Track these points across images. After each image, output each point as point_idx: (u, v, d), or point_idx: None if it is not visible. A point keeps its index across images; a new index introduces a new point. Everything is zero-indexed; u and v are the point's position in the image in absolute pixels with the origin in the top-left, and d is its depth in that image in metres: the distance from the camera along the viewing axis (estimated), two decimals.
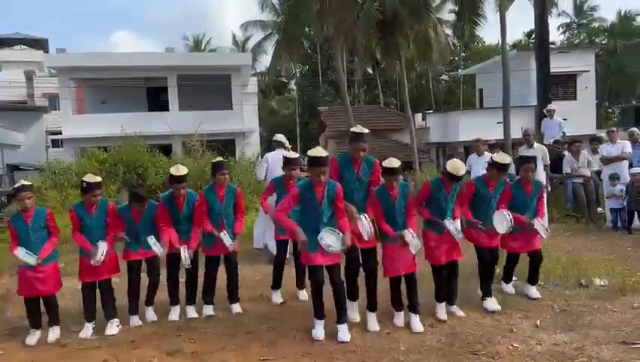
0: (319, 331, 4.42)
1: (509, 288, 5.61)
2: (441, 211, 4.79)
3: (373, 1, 18.91)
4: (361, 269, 4.78)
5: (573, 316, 4.84)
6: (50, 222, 4.84)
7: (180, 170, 5.05)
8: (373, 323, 4.65)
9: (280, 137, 7.96)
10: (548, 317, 4.84)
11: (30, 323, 4.82)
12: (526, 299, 5.40)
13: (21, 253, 4.58)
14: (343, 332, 4.38)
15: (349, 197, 4.59)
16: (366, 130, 4.65)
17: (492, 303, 5.08)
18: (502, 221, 5.02)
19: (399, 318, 4.74)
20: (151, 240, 4.93)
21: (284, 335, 4.52)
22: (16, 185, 4.81)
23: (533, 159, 5.38)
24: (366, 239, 4.50)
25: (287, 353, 4.20)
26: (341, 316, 4.44)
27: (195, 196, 5.25)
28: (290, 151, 7.57)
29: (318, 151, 4.33)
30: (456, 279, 4.96)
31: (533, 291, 5.43)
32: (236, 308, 5.29)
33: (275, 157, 7.35)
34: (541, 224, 5.24)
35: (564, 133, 11.41)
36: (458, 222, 4.91)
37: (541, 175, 8.92)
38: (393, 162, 4.56)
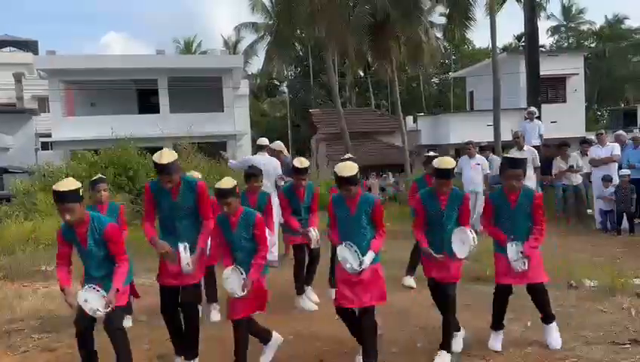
0: None
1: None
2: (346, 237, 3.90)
3: (365, 4, 18.99)
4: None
5: (563, 317, 4.86)
6: (122, 215, 4.86)
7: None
8: None
9: (264, 141, 7.74)
10: (538, 318, 4.86)
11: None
12: (516, 300, 5.41)
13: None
14: None
15: None
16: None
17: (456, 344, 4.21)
18: (462, 241, 3.99)
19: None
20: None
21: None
22: (93, 178, 4.83)
23: (520, 163, 4.16)
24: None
25: (280, 356, 4.19)
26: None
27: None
28: (288, 157, 7.53)
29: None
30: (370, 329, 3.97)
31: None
32: None
33: (259, 161, 7.15)
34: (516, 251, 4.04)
35: (541, 135, 11.46)
36: (368, 258, 3.76)
37: (531, 177, 9.01)
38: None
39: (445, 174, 3.93)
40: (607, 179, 9.28)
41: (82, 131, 20.32)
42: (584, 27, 44.07)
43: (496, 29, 16.83)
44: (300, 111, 36.74)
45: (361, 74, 36.94)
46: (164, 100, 22.46)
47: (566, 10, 43.68)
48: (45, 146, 26.43)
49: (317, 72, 37.33)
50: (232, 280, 3.72)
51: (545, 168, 10.03)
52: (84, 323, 3.56)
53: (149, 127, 19.65)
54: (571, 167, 9.86)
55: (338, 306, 3.86)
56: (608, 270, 6.25)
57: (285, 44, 22.08)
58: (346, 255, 3.71)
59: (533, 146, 10.85)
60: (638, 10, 70.34)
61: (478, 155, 9.57)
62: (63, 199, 3.41)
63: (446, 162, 3.97)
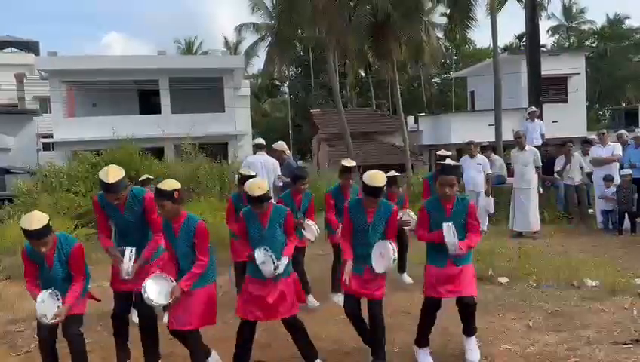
0: None
1: None
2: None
3: (365, 5, 19.00)
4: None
5: (565, 316, 4.87)
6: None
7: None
8: None
9: (261, 140, 7.73)
10: (540, 318, 4.86)
11: None
12: (518, 300, 5.43)
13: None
14: None
15: None
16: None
17: None
18: (382, 256, 3.82)
19: None
20: None
21: (278, 338, 4.50)
22: (142, 178, 4.99)
23: (454, 170, 3.99)
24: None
25: (281, 355, 4.20)
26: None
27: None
28: (289, 157, 7.53)
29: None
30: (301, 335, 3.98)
31: None
32: None
33: (257, 161, 7.18)
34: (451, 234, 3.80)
35: (542, 135, 11.46)
36: (284, 260, 3.78)
37: (533, 177, 9.01)
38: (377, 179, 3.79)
39: (373, 193, 3.78)
40: (608, 179, 9.27)
41: (83, 132, 20.35)
42: (585, 27, 44.07)
43: (497, 28, 16.85)
44: (301, 112, 36.75)
45: (362, 74, 36.97)
46: (165, 101, 22.49)
47: (567, 10, 43.67)
48: (47, 147, 26.46)
49: (318, 72, 37.35)
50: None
51: (546, 168, 10.02)
52: (46, 331, 3.60)
53: (151, 128, 19.66)
54: (559, 172, 9.89)
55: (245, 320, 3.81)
56: (610, 270, 6.25)
57: (286, 45, 22.13)
58: (264, 258, 3.68)
59: (535, 146, 10.85)
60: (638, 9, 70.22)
61: (479, 155, 9.56)
62: (38, 236, 3.44)
63: (376, 179, 3.78)
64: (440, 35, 27.62)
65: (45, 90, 24.22)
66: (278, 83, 45.08)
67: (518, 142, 9.24)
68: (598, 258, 7.13)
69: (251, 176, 5.24)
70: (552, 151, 10.81)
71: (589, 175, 10.04)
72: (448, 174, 3.89)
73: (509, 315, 4.96)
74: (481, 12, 20.40)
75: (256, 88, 40.07)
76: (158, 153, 17.23)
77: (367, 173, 3.86)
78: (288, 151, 7.69)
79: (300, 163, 30.60)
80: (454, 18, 19.48)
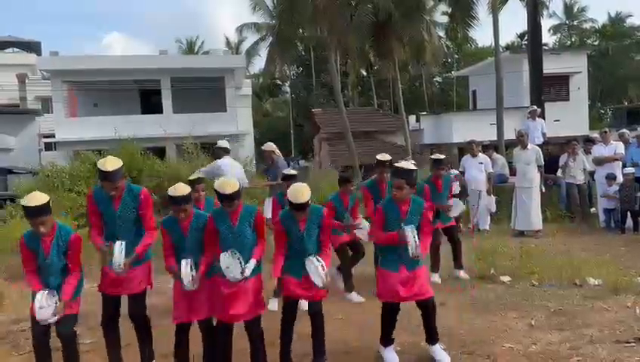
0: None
1: None
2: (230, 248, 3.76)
3: (367, 4, 18.99)
4: None
5: (567, 315, 4.86)
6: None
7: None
8: None
9: (226, 144, 7.68)
10: (542, 317, 4.86)
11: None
12: (521, 299, 5.42)
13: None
14: None
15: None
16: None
17: None
18: (315, 269, 3.80)
19: None
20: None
21: (279, 337, 4.50)
22: (191, 178, 4.95)
23: (405, 173, 3.97)
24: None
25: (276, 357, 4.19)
26: None
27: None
28: (280, 157, 7.53)
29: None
30: (261, 345, 3.95)
31: None
32: None
33: (228, 164, 7.20)
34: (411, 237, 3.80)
35: (544, 134, 11.44)
36: (252, 263, 3.77)
37: (535, 176, 9.00)
38: (179, 189, 3.76)
39: (299, 208, 3.80)
40: (610, 178, 9.26)
41: (85, 132, 20.37)
42: (586, 25, 43.98)
43: (499, 27, 16.82)
44: (303, 111, 36.74)
45: (364, 73, 36.95)
46: (166, 100, 22.50)
47: (568, 9, 43.60)
48: (48, 147, 26.51)
49: (319, 72, 37.35)
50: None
51: (548, 167, 10.01)
52: (40, 331, 3.60)
53: (152, 128, 19.67)
54: (561, 167, 9.89)
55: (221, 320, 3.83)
56: (612, 268, 6.25)
57: (287, 44, 22.13)
58: (230, 262, 3.65)
59: (536, 145, 10.84)
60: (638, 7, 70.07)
61: (480, 154, 9.56)
62: (38, 213, 3.46)
63: (299, 194, 3.77)
64: (441, 33, 27.62)
65: (47, 90, 24.26)
66: (279, 82, 45.09)
67: (521, 140, 9.23)
68: (600, 257, 7.12)
69: (294, 176, 5.31)
70: (554, 151, 10.80)
71: (592, 174, 10.03)
72: (398, 177, 3.96)
73: (511, 314, 4.96)
74: (482, 11, 20.37)
75: (257, 88, 40.08)
76: (160, 153, 17.24)
77: (290, 190, 3.85)
78: (278, 151, 7.66)
79: (302, 162, 30.65)
80: (456, 17, 19.45)
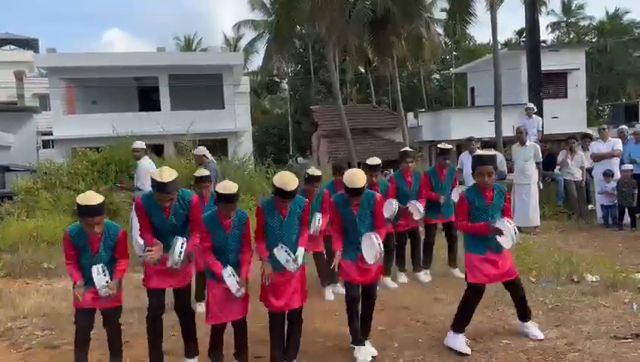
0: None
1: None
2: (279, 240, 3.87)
3: (365, 0, 18.94)
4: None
5: (565, 311, 4.88)
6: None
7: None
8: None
9: (143, 145, 7.94)
10: (540, 313, 4.88)
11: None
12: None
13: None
14: None
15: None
16: None
17: (363, 353, 4.07)
18: (370, 247, 3.96)
19: None
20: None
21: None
22: (196, 175, 5.13)
23: (489, 160, 4.15)
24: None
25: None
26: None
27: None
28: (211, 161, 7.56)
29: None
30: (298, 328, 4.05)
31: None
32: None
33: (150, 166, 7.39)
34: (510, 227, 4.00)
35: (539, 131, 11.45)
36: (300, 251, 3.91)
37: (534, 172, 9.01)
38: (230, 187, 3.73)
39: (355, 193, 3.92)
40: (608, 174, 9.28)
41: (83, 129, 20.33)
42: (584, 22, 43.96)
43: (497, 24, 16.79)
44: (301, 108, 36.70)
45: (362, 70, 36.91)
46: (164, 98, 22.45)
47: (566, 6, 43.58)
48: (46, 144, 26.45)
49: (317, 69, 37.28)
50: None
51: (546, 163, 10.01)
52: (84, 321, 3.71)
53: (150, 125, 19.62)
54: (560, 163, 9.89)
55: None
56: (610, 265, 6.27)
57: (285, 41, 22.04)
58: (284, 256, 3.77)
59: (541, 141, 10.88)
60: (638, 4, 70.10)
61: (479, 151, 9.54)
62: (94, 213, 3.52)
63: (356, 179, 3.89)
64: (440, 30, 27.58)
65: (45, 87, 24.19)
66: (277, 79, 45.00)
67: (519, 137, 9.24)
68: (598, 253, 7.15)
69: (319, 177, 5.37)
70: (552, 148, 10.81)
71: (589, 170, 10.05)
72: (486, 163, 4.06)
73: (510, 310, 4.97)
74: (480, 8, 20.36)
75: (255, 85, 39.99)
76: (158, 150, 17.24)
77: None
78: (209, 155, 7.68)
79: (300, 159, 30.63)
80: (454, 13, 19.39)
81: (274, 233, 3.84)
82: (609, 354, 3.95)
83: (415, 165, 6.18)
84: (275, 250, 3.78)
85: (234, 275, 3.73)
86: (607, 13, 42.79)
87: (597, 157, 9.64)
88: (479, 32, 55.54)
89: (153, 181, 3.71)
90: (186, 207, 3.90)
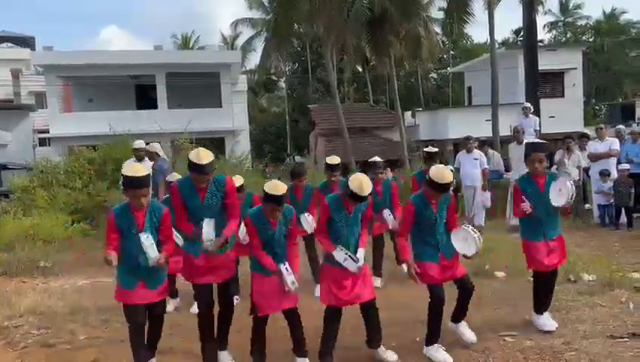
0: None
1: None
2: (341, 238, 3.93)
3: None
4: None
5: (561, 311, 4.89)
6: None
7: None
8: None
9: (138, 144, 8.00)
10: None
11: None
12: (515, 294, 5.44)
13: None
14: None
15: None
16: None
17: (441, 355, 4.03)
18: (465, 238, 3.95)
19: None
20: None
21: (275, 333, 4.51)
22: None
23: (541, 147, 4.31)
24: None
25: (278, 350, 4.19)
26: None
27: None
28: (162, 159, 7.55)
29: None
30: (376, 323, 4.07)
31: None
32: None
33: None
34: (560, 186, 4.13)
35: (536, 131, 11.46)
36: (362, 251, 3.96)
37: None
38: (279, 188, 3.73)
39: (443, 189, 3.91)
40: (604, 174, 9.30)
41: (80, 127, 20.28)
42: (581, 22, 44.06)
43: (494, 24, 16.82)
44: (299, 107, 36.65)
45: (360, 69, 36.90)
46: (162, 96, 22.43)
47: (563, 6, 43.66)
48: (43, 142, 26.38)
49: (315, 68, 37.24)
50: (348, 261, 3.79)
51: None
52: (139, 318, 3.72)
53: (147, 123, 19.59)
54: (557, 162, 9.89)
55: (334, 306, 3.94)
56: (606, 264, 6.27)
57: (283, 40, 22.00)
58: (343, 256, 3.84)
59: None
60: (637, 4, 70.26)
61: (476, 150, 9.58)
62: (141, 185, 3.56)
63: (445, 175, 3.87)
64: (437, 29, 27.57)
65: (41, 85, 24.13)
66: (275, 78, 44.94)
67: (516, 136, 9.25)
68: (594, 252, 7.17)
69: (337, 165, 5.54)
70: (550, 147, 10.81)
71: (586, 170, 10.07)
72: (538, 151, 4.22)
73: (506, 309, 4.98)
74: (478, 7, 20.35)
75: (253, 83, 39.95)
76: None
77: (433, 170, 3.93)
78: (162, 153, 7.67)
79: (298, 158, 30.61)
80: (452, 13, 19.40)
81: (339, 229, 3.91)
82: (605, 353, 3.95)
83: (385, 176, 6.16)
84: (334, 252, 3.85)
85: (288, 270, 3.77)
86: (604, 13, 42.91)
87: (594, 157, 9.65)
88: (477, 31, 55.86)
89: (191, 163, 3.74)
90: (221, 191, 3.91)
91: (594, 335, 4.28)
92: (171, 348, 4.36)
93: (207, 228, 3.78)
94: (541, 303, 4.48)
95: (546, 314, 4.50)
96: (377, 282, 6.00)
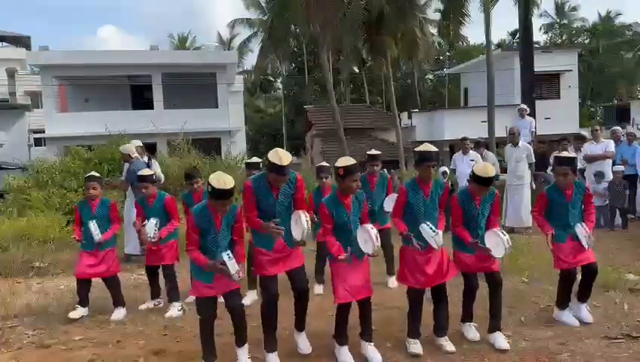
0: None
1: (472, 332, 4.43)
2: (418, 221, 4.13)
3: (360, 0, 18.97)
4: None
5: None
6: (113, 212, 5.32)
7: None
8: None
9: (137, 142, 8.00)
10: (532, 313, 4.90)
11: (78, 301, 5.22)
12: (511, 295, 5.45)
13: (93, 226, 5.09)
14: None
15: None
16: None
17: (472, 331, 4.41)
18: (497, 243, 4.14)
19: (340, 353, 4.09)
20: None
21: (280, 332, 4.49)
22: (86, 175, 5.39)
23: (570, 161, 4.56)
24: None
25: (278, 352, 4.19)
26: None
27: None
28: (137, 160, 7.53)
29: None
30: (445, 305, 4.26)
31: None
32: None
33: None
34: (584, 234, 4.47)
35: (532, 132, 11.50)
36: (440, 233, 4.09)
37: (526, 173, 9.05)
38: (348, 160, 3.95)
39: (487, 183, 4.16)
40: (599, 175, 9.33)
41: (76, 127, 20.20)
42: (577, 24, 44.22)
43: (490, 25, 16.87)
44: (295, 108, 36.68)
45: (356, 70, 36.93)
46: (157, 96, 22.36)
47: (559, 8, 43.83)
48: (38, 142, 26.26)
49: (312, 68, 37.27)
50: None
51: (539, 164, 10.05)
52: (210, 311, 3.87)
53: (143, 123, 19.53)
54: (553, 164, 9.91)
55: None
56: (601, 265, 6.25)
57: (280, 41, 22.05)
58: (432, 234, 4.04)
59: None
60: (632, 6, 70.64)
61: (472, 151, 9.60)
62: (229, 196, 3.67)
63: (488, 170, 4.15)
64: (433, 31, 27.65)
65: (37, 85, 24.02)
66: (271, 79, 44.96)
67: (512, 138, 9.27)
68: None
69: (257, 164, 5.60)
70: (547, 149, 10.85)
71: (582, 171, 10.09)
72: (562, 165, 4.51)
73: (503, 310, 4.97)
74: (474, 8, 20.41)
75: (249, 84, 39.93)
76: (151, 149, 17.16)
77: (478, 166, 4.26)
78: (135, 153, 7.62)
79: (294, 159, 30.63)
80: (448, 14, 19.48)
81: (418, 212, 4.12)
82: (600, 354, 3.97)
83: (332, 181, 6.08)
84: (421, 227, 4.04)
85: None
86: (599, 15, 43.10)
87: (590, 159, 9.68)
88: (473, 32, 56.02)
89: (272, 164, 3.80)
90: (292, 187, 4.02)
91: (589, 336, 4.29)
92: (165, 349, 4.35)
93: (306, 224, 3.90)
94: (565, 299, 4.70)
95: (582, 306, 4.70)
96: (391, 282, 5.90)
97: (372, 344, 4.08)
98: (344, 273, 3.92)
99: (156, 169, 7.78)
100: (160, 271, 5.48)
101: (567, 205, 4.51)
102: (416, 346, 4.12)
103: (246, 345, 4.00)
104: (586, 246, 4.47)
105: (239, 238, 3.94)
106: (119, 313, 5.21)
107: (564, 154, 4.81)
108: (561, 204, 4.53)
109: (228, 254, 3.75)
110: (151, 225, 5.15)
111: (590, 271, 4.57)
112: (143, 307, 5.45)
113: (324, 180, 5.81)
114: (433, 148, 4.14)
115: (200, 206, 3.84)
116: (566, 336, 4.30)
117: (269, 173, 3.87)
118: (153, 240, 5.14)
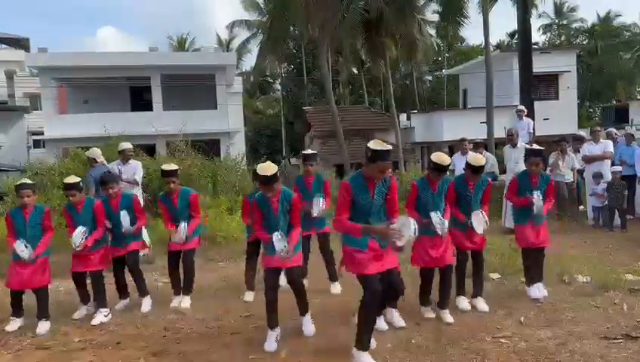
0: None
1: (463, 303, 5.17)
2: (428, 211, 4.78)
3: (359, 1, 18.99)
4: None
5: (556, 312, 4.91)
6: (47, 220, 5.12)
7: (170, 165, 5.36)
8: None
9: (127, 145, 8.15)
10: (532, 314, 4.90)
11: (12, 313, 5.10)
12: (510, 296, 5.47)
13: (20, 246, 4.89)
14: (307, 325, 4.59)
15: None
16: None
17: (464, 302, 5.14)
18: (480, 222, 4.98)
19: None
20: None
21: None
22: (17, 183, 5.20)
23: (540, 153, 5.49)
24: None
25: (273, 351, 4.20)
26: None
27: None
28: (101, 166, 7.52)
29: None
30: (447, 284, 4.87)
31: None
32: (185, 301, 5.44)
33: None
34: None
35: (531, 133, 11.51)
36: (446, 222, 4.79)
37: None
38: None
39: (477, 171, 4.99)
40: (597, 176, 9.34)
41: (75, 129, 20.20)
42: (576, 25, 44.31)
43: (489, 26, 16.90)
44: (294, 109, 36.68)
45: (355, 71, 36.95)
46: (157, 98, 22.36)
47: (558, 9, 43.89)
48: (37, 144, 26.28)
49: (310, 70, 37.28)
50: (282, 241, 4.24)
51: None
52: (274, 281, 4.38)
53: (142, 125, 19.54)
54: (551, 165, 9.92)
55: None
56: (600, 266, 6.31)
57: (278, 42, 22.06)
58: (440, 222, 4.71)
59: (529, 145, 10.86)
60: (631, 7, 70.76)
61: (471, 152, 9.58)
62: (272, 181, 4.23)
63: (480, 160, 5.01)
64: (432, 32, 27.67)
65: (36, 86, 24.02)
66: (270, 80, 44.96)
67: (510, 139, 9.28)
68: (588, 254, 7.20)
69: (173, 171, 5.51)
70: (545, 150, 10.85)
71: (580, 172, 10.11)
72: (535, 156, 5.40)
73: (501, 311, 5.00)
74: (473, 9, 20.46)
75: (248, 85, 39.92)
76: (150, 150, 17.16)
77: (470, 155, 5.37)
78: (100, 158, 7.67)
79: (293, 160, 30.61)
80: (447, 15, 19.50)
81: (427, 204, 4.77)
82: (599, 354, 3.97)
83: (316, 168, 6.14)
84: (432, 214, 4.69)
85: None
86: (598, 15, 43.19)
87: (589, 159, 9.69)
88: (472, 33, 56.38)
89: (375, 152, 3.75)
90: (386, 187, 4.08)
91: (588, 337, 4.30)
92: (166, 350, 4.35)
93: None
94: (533, 277, 5.41)
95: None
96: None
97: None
98: (365, 261, 3.91)
99: (130, 172, 7.80)
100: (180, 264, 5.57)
101: (532, 189, 5.35)
102: (428, 312, 4.89)
103: (308, 313, 4.59)
104: (536, 212, 5.25)
105: (295, 224, 4.47)
106: (44, 326, 4.96)
107: (536, 146, 5.67)
108: (528, 188, 5.40)
109: (277, 234, 4.28)
110: (78, 234, 5.07)
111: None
112: (76, 316, 5.29)
113: (309, 167, 5.90)
114: (448, 162, 4.73)
115: (260, 194, 4.44)
116: (565, 337, 4.31)
117: (373, 164, 3.79)
118: (78, 248, 5.06)
